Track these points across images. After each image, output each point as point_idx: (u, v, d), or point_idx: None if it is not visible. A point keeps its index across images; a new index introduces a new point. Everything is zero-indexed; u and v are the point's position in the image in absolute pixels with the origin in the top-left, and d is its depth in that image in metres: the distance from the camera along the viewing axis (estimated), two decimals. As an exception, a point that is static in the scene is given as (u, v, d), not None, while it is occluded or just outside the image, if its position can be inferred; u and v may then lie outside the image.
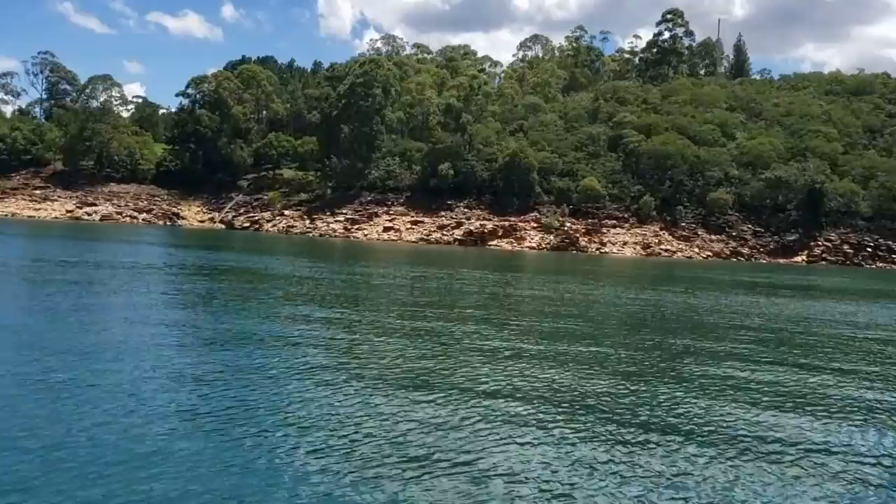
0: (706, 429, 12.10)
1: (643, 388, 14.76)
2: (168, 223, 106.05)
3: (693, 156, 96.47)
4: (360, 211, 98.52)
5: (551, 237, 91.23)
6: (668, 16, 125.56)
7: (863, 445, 11.84)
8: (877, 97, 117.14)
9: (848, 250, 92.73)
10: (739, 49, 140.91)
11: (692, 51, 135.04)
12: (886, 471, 10.70)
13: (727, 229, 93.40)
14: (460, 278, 41.44)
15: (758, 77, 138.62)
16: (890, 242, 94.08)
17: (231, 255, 51.18)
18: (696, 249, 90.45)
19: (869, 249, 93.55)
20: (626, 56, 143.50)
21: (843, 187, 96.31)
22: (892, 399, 15.13)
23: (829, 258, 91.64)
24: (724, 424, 12.41)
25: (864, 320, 30.29)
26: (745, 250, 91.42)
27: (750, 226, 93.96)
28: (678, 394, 14.36)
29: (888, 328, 28.12)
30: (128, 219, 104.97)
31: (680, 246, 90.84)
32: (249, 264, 43.65)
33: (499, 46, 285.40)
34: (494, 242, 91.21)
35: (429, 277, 41.04)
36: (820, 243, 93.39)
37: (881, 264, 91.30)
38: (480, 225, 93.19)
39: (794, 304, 35.77)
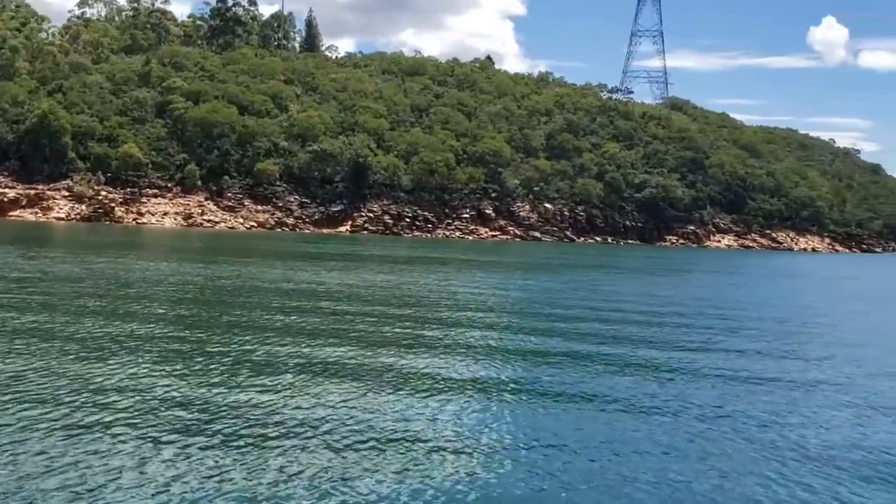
0: None
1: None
2: None
3: (242, 126, 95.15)
4: None
5: (83, 207, 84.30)
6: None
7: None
8: (427, 78, 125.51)
9: (388, 220, 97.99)
10: (310, 24, 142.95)
11: (262, 22, 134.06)
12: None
13: (274, 200, 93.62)
14: None
15: (328, 54, 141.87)
16: (426, 213, 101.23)
17: None
18: (241, 220, 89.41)
19: (408, 220, 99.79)
20: (199, 23, 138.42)
21: (387, 161, 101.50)
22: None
23: (370, 228, 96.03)
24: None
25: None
26: (291, 221, 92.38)
27: (297, 197, 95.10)
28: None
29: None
30: None
31: (224, 216, 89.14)
32: None
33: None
34: (16, 213, 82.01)
35: None
36: (363, 214, 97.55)
37: (417, 233, 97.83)
38: (0, 193, 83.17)
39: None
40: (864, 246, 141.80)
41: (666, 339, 20.19)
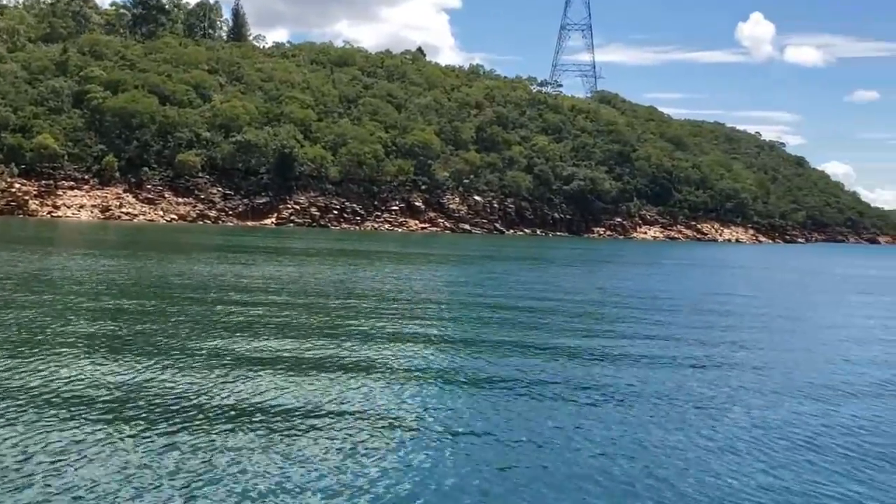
0: None
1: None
2: None
3: (163, 116, 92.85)
4: None
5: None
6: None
7: None
8: (356, 69, 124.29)
9: (315, 213, 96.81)
10: (237, 13, 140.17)
11: (187, 11, 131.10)
12: None
13: (196, 192, 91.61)
14: None
15: (256, 43, 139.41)
16: (355, 205, 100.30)
17: None
18: (161, 212, 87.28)
19: (335, 212, 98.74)
20: (122, 11, 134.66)
21: (313, 153, 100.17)
22: None
23: (297, 220, 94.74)
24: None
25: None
26: (213, 213, 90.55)
27: (220, 188, 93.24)
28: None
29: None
30: None
31: (144, 209, 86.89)
32: None
33: None
34: (-78, 206, 78.69)
35: None
36: (289, 206, 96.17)
37: (346, 225, 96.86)
38: None
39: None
40: (788, 237, 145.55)
41: (559, 327, 19.96)
